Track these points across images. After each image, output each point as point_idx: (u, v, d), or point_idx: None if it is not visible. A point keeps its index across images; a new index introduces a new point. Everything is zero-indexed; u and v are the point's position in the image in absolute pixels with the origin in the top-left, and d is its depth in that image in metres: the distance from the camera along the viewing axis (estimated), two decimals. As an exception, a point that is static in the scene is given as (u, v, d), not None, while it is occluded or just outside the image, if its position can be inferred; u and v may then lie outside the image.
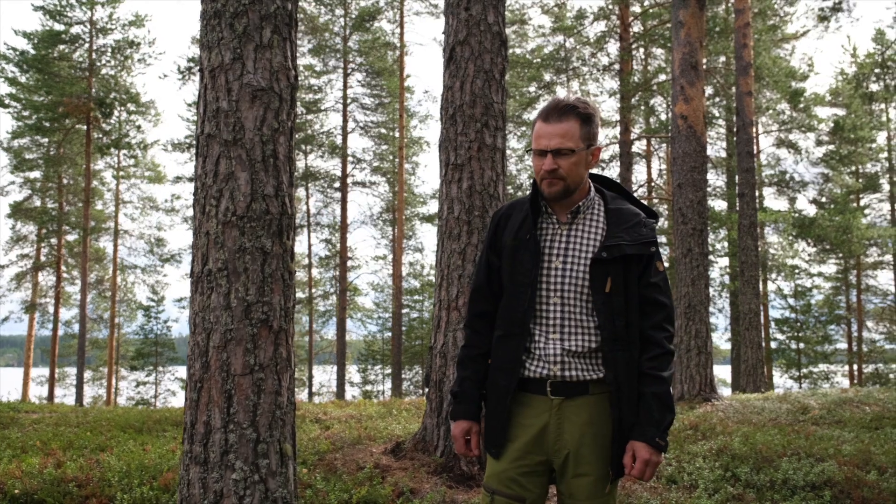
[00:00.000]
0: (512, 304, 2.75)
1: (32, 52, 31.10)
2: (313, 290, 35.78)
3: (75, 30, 32.18)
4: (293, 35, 4.07)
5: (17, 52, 30.79)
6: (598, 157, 2.79)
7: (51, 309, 34.53)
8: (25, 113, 31.72)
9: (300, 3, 30.57)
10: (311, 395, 34.48)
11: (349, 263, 34.03)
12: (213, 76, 3.91)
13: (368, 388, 35.95)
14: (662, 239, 32.99)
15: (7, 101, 31.14)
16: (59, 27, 31.89)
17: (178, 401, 31.89)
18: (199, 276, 3.87)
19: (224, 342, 3.76)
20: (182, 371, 33.47)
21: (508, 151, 31.84)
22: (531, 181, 2.84)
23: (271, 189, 3.88)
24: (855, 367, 33.89)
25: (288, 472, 3.84)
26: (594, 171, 2.90)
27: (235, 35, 3.89)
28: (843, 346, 34.30)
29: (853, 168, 34.30)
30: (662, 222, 32.86)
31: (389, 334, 34.88)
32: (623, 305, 2.67)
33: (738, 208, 19.43)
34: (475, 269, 2.95)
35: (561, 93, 29.68)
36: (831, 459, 6.66)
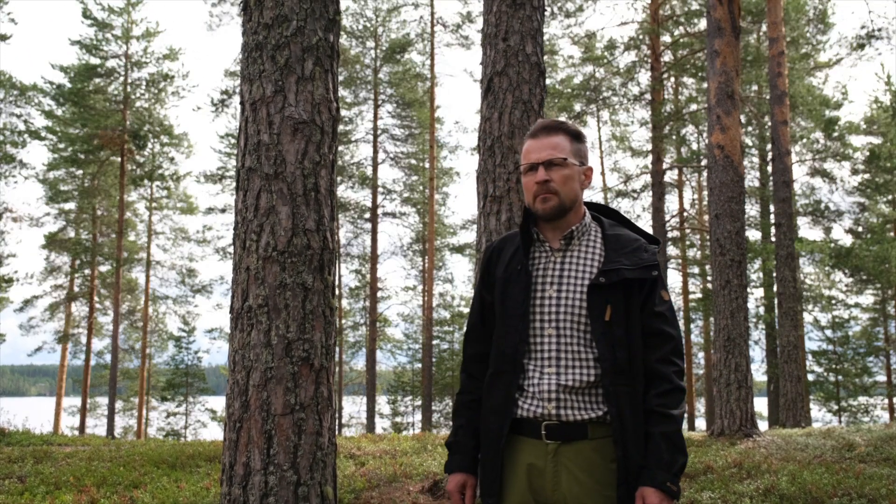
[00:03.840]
0: (502, 340, 2.56)
1: (69, 85, 31.60)
2: (343, 321, 35.75)
3: (111, 63, 32.70)
4: (335, 67, 4.01)
5: (54, 86, 31.31)
6: (591, 177, 2.65)
7: (83, 339, 34.77)
8: (61, 145, 32.19)
9: (331, 36, 30.91)
10: (340, 426, 34.34)
11: (379, 294, 33.99)
12: (255, 109, 3.85)
13: (399, 419, 35.75)
14: (695, 269, 32.60)
15: (43, 134, 31.61)
16: (94, 61, 32.43)
17: (209, 432, 31.86)
18: (238, 313, 3.78)
19: (264, 381, 3.66)
20: (213, 401, 33.50)
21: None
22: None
23: (312, 223, 3.80)
24: (895, 400, 33.14)
25: (329, 516, 3.71)
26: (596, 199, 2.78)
27: (277, 67, 3.83)
28: (882, 378, 33.56)
29: (890, 197, 33.76)
30: (696, 252, 32.49)
31: (419, 365, 34.71)
32: (624, 336, 2.46)
33: (773, 239, 19.14)
34: (470, 309, 2.79)
35: (589, 122, 29.68)
36: (884, 500, 6.41)
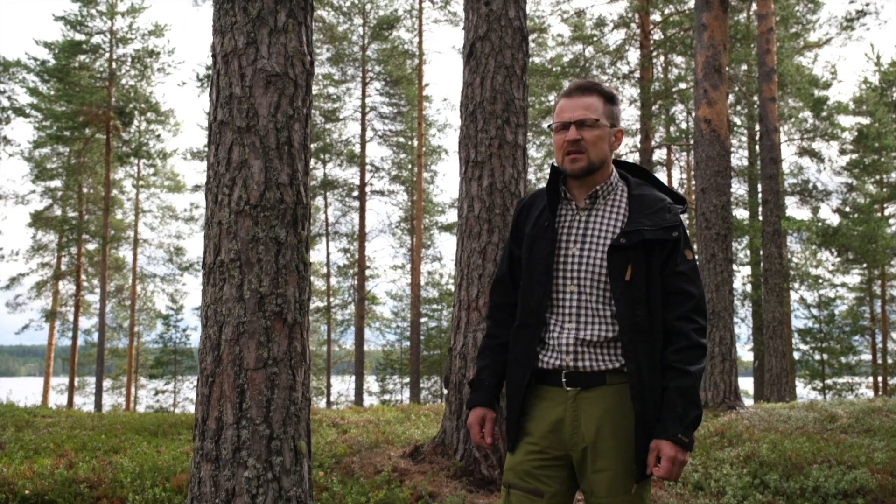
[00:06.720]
0: (528, 294, 2.65)
1: (53, 61, 31.24)
2: (331, 300, 35.70)
3: (96, 40, 32.35)
4: (309, 20, 3.95)
5: (38, 62, 30.94)
6: (622, 139, 2.70)
7: (71, 318, 34.65)
8: (46, 122, 31.84)
9: (318, 12, 30.62)
10: (329, 404, 34.36)
11: (367, 272, 33.93)
12: (226, 61, 3.79)
13: (386, 397, 35.80)
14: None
15: (28, 111, 31.30)
16: (79, 37, 32.07)
17: (197, 409, 31.80)
18: (211, 268, 3.74)
19: (237, 335, 3.62)
20: (201, 380, 33.40)
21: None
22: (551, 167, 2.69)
23: (286, 177, 3.75)
24: (880, 378, 33.36)
25: (302, 470, 3.69)
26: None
27: (249, 19, 3.77)
28: (867, 357, 33.75)
29: (877, 177, 33.83)
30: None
31: (408, 343, 34.74)
32: (644, 295, 2.53)
33: (761, 216, 19.16)
34: (499, 261, 2.84)
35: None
36: (863, 467, 6.46)
